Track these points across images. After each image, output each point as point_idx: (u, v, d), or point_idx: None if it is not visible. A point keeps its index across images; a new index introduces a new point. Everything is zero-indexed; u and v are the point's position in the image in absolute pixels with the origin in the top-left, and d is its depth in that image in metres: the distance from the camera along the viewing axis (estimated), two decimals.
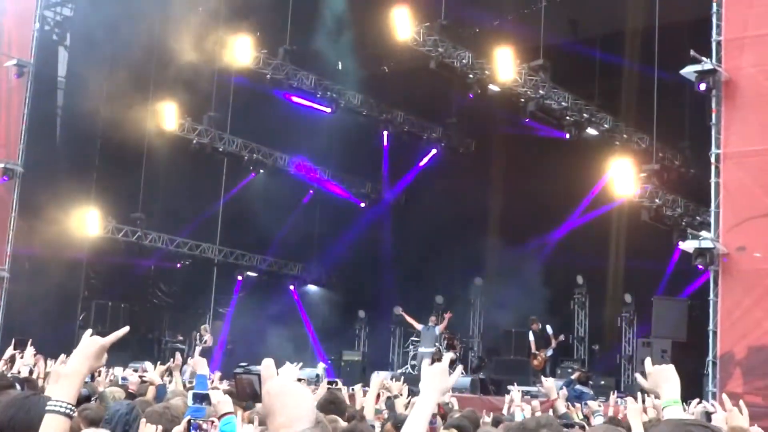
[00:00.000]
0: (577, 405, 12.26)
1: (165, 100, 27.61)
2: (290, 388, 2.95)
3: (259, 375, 3.00)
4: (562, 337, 25.29)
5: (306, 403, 2.95)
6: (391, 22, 24.00)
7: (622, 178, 21.43)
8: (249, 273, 31.95)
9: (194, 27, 27.65)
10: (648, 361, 4.46)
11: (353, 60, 34.27)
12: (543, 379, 13.81)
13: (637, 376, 4.49)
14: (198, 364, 7.90)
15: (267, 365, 2.99)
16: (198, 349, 26.81)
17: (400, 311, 28.44)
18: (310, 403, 2.97)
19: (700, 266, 18.36)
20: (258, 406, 2.98)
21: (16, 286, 26.46)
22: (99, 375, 11.45)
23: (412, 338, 29.48)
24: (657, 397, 4.43)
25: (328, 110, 29.36)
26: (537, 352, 24.95)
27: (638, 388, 8.33)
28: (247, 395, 3.10)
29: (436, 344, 26.01)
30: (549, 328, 25.25)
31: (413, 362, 27.75)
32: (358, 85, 30.11)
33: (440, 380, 3.42)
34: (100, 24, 26.97)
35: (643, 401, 8.65)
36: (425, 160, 31.62)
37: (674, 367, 4.30)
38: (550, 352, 25.05)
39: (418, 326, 26.78)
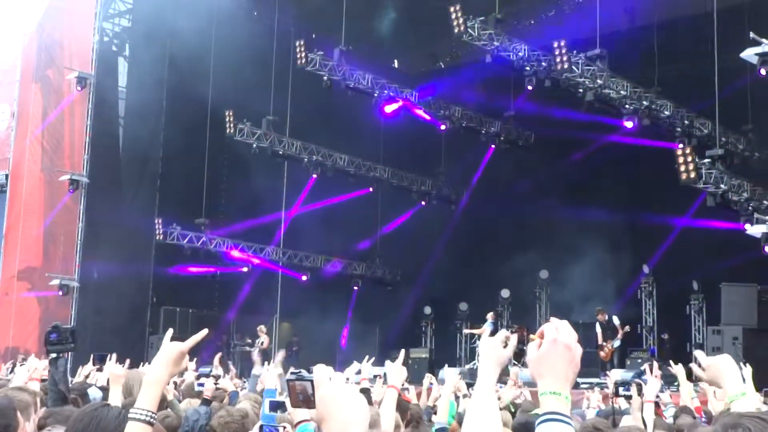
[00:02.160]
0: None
1: (224, 105, 27.83)
2: (344, 393, 2.95)
3: (311, 381, 2.99)
4: (627, 328, 25.02)
5: (360, 408, 2.94)
6: (445, 18, 23.95)
7: (686, 164, 21.16)
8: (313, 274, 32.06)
9: (250, 32, 27.90)
10: (701, 353, 4.28)
11: (409, 57, 34.34)
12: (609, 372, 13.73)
13: (694, 367, 4.32)
14: (265, 378, 7.95)
15: (320, 370, 2.98)
16: (256, 351, 26.97)
17: (466, 330, 28.39)
18: (364, 407, 2.97)
19: None
20: (313, 412, 2.96)
21: (86, 296, 26.83)
22: (182, 382, 11.45)
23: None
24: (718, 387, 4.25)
25: (443, 127, 29.61)
26: (604, 344, 24.72)
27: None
28: (300, 402, 3.10)
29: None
30: (616, 319, 25.00)
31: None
32: (415, 82, 30.07)
33: (497, 351, 3.38)
34: (158, 33, 27.32)
35: (640, 394, 8.50)
36: (485, 154, 31.43)
37: (743, 354, 4.17)
38: (617, 343, 24.79)
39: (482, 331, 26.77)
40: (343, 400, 2.91)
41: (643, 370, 20.20)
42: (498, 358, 3.36)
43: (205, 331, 3.69)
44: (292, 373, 3.15)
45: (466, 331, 28.23)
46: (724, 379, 4.11)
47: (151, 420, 3.53)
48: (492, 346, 3.39)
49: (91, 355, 12.95)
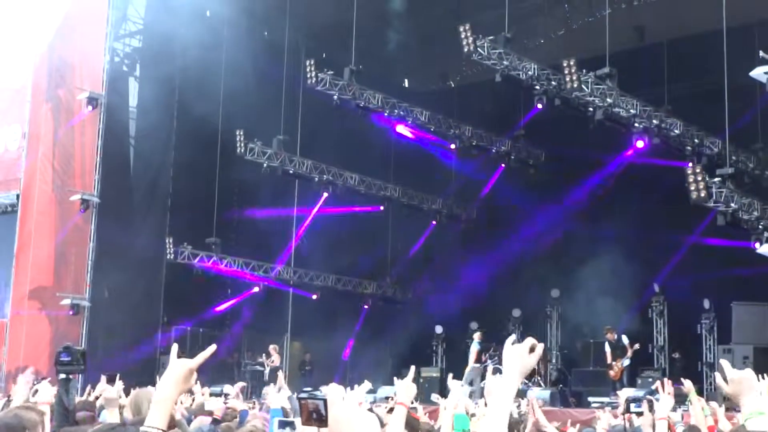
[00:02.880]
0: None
1: (234, 124, 27.92)
2: (356, 414, 2.96)
3: (324, 400, 3.00)
4: (637, 346, 24.93)
5: (372, 428, 2.95)
6: (455, 37, 24.02)
7: (696, 182, 21.14)
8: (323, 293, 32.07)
9: (261, 51, 28.02)
10: (727, 364, 4.24)
11: (419, 76, 34.45)
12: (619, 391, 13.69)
13: (717, 377, 4.29)
14: (271, 398, 7.97)
15: (333, 390, 2.99)
16: (268, 370, 27.00)
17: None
18: (376, 428, 2.98)
19: None
20: (324, 430, 2.96)
21: (97, 315, 26.87)
22: (193, 401, 11.45)
23: (490, 352, 29.32)
24: (736, 403, 4.26)
25: (452, 146, 29.71)
26: (613, 363, 24.63)
27: (719, 394, 8.20)
28: (313, 420, 3.10)
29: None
30: (625, 338, 24.92)
31: (494, 375, 27.62)
32: (425, 101, 30.14)
33: (523, 358, 3.36)
34: (169, 53, 27.46)
35: (651, 410, 8.48)
36: (495, 173, 31.44)
37: (755, 373, 4.15)
38: (627, 362, 24.69)
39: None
40: (356, 420, 2.91)
41: (654, 388, 20.18)
42: (523, 366, 3.35)
43: (213, 348, 3.68)
44: (304, 391, 3.16)
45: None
46: (744, 395, 4.11)
47: None
48: (518, 353, 3.38)
49: (102, 376, 12.98)
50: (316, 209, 30.90)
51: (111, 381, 13.46)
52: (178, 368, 3.60)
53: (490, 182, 31.67)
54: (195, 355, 3.67)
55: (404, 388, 6.46)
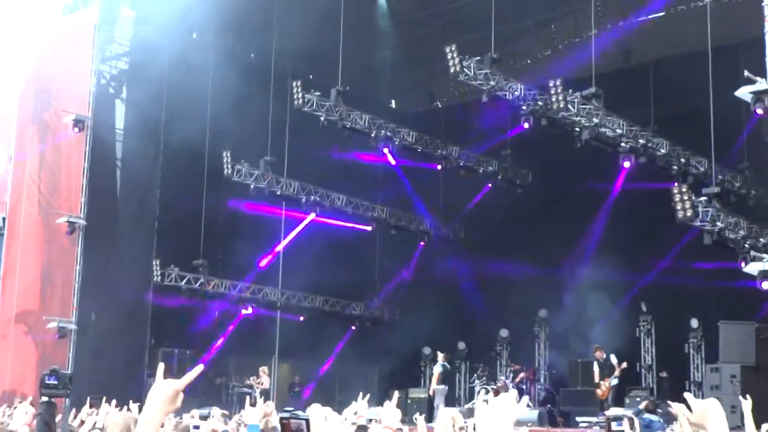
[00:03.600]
0: None
1: (221, 146, 27.92)
2: None
3: (306, 420, 2.99)
4: (624, 365, 24.93)
5: None
6: (442, 58, 24.10)
7: (683, 202, 21.22)
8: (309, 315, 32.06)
9: (247, 72, 28.05)
10: (690, 396, 4.29)
11: (406, 98, 34.54)
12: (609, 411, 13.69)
13: (682, 408, 4.37)
14: (247, 415, 7.98)
15: (315, 410, 2.99)
16: (257, 391, 26.94)
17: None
18: None
19: (765, 288, 18.15)
20: None
21: (84, 338, 26.75)
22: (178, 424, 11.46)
23: (477, 372, 29.33)
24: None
25: (439, 167, 29.78)
26: (601, 382, 24.62)
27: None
28: None
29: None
30: (613, 357, 24.92)
31: (483, 398, 27.60)
32: (412, 122, 30.21)
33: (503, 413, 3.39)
34: (155, 75, 27.44)
35: (632, 428, 8.57)
36: (481, 193, 31.48)
37: (741, 392, 4.22)
38: (615, 381, 24.68)
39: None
40: None
41: (641, 409, 20.17)
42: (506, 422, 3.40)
43: (200, 368, 3.64)
44: (285, 410, 3.14)
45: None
46: (709, 422, 4.15)
47: None
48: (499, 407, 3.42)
49: (88, 398, 12.92)
50: (300, 227, 30.93)
51: (95, 405, 13.43)
52: (165, 389, 3.56)
53: (476, 201, 31.68)
54: (182, 376, 3.62)
55: (389, 412, 6.53)
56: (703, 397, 4.99)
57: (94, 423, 11.36)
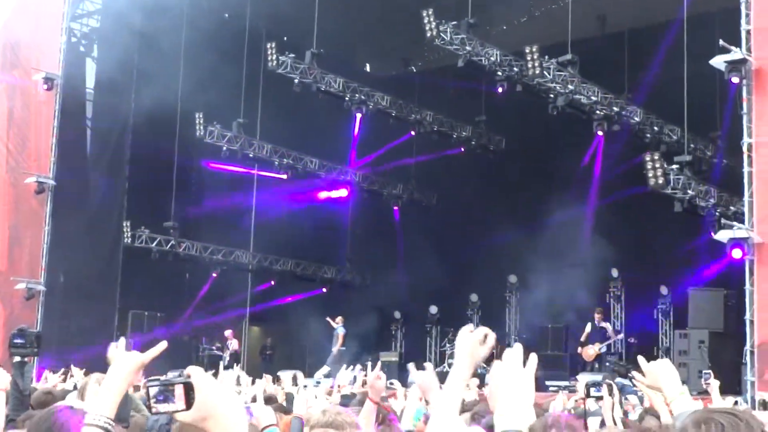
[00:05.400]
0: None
1: (194, 107, 27.70)
2: (227, 395, 2.88)
3: (183, 384, 2.87)
4: (621, 336, 25.33)
5: (239, 413, 2.88)
6: (417, 22, 23.98)
7: (654, 169, 21.29)
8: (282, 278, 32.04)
9: (221, 33, 27.79)
10: (642, 359, 4.38)
11: (381, 62, 34.35)
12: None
13: (635, 374, 4.42)
14: (221, 380, 7.92)
15: (196, 373, 2.88)
16: (227, 355, 26.93)
17: (327, 319, 28.61)
18: (242, 413, 2.91)
19: (735, 256, 18.25)
20: (189, 414, 2.82)
21: (52, 299, 26.59)
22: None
23: (449, 337, 29.41)
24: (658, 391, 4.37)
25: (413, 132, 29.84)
26: (591, 345, 24.70)
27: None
28: (171, 403, 2.93)
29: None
30: (609, 326, 25.15)
31: (450, 361, 27.64)
32: (386, 86, 30.09)
33: (474, 348, 3.37)
34: (127, 34, 27.11)
35: (611, 394, 8.61)
36: (455, 158, 31.44)
37: (709, 358, 4.25)
38: (603, 348, 24.85)
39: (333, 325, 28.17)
40: (228, 403, 2.84)
41: (615, 370, 20.28)
42: (474, 356, 3.36)
43: (164, 344, 3.57)
44: (153, 378, 2.98)
45: (329, 320, 28.62)
46: (662, 382, 4.22)
47: (109, 427, 3.43)
48: (470, 342, 3.38)
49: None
50: (276, 194, 30.81)
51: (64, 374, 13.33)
52: (128, 363, 3.50)
53: (451, 168, 31.62)
54: (153, 338, 3.57)
55: (371, 384, 6.52)
56: (674, 363, 5.04)
57: (63, 383, 11.30)
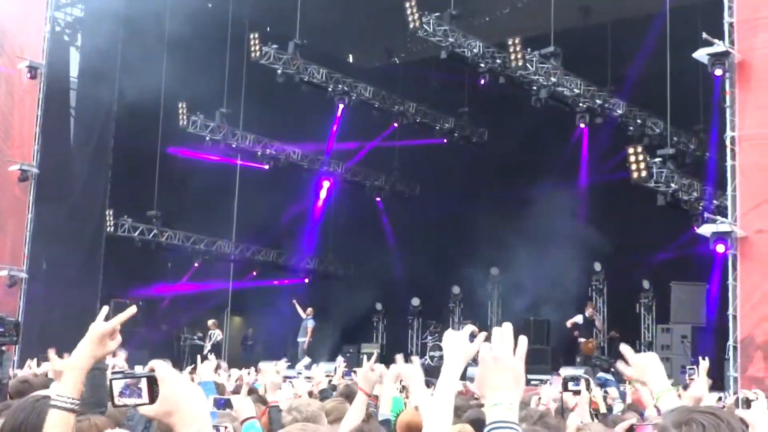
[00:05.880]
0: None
1: (177, 97, 27.64)
2: (189, 391, 2.86)
3: (147, 377, 2.85)
4: (615, 333, 25.48)
5: (203, 407, 2.87)
6: (400, 13, 23.97)
7: (637, 163, 21.32)
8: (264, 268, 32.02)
9: (204, 23, 27.69)
10: (628, 349, 4.30)
11: (364, 53, 34.30)
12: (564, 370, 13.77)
13: (620, 365, 4.37)
14: (201, 371, 7.93)
15: (160, 367, 2.86)
16: (209, 344, 26.89)
17: (294, 301, 28.57)
18: (206, 408, 2.90)
19: (718, 250, 18.30)
20: (152, 408, 2.79)
21: (35, 287, 26.52)
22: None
23: (430, 329, 29.47)
24: (642, 385, 4.33)
25: (395, 124, 29.57)
26: (591, 339, 24.84)
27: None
28: (131, 398, 2.91)
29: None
30: (598, 321, 25.35)
31: (432, 353, 27.68)
32: (369, 77, 30.08)
33: (463, 346, 3.37)
34: (111, 23, 27.01)
35: (588, 389, 8.65)
36: (437, 150, 31.44)
37: (691, 352, 4.24)
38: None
39: (303, 316, 27.88)
40: (192, 397, 2.82)
41: (597, 365, 20.37)
42: (464, 353, 3.35)
43: (133, 309, 3.54)
44: (117, 372, 2.97)
45: (295, 303, 28.54)
46: (649, 376, 4.18)
47: (74, 407, 3.42)
48: (458, 340, 3.37)
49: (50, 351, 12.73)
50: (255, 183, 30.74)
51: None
52: (92, 332, 3.48)
53: (433, 159, 31.63)
54: (133, 328, 3.55)
55: (364, 376, 6.58)
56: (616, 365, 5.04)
57: (46, 372, 11.25)
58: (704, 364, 9.12)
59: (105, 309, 3.62)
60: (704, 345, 21.69)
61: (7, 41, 27.81)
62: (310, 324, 27.57)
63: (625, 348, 4.33)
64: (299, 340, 27.61)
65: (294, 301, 28.55)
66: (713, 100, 19.49)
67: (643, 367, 4.20)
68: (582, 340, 24.71)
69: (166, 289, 30.71)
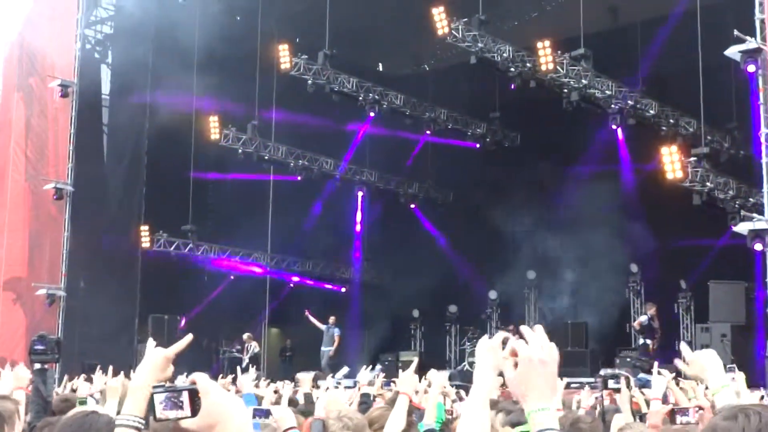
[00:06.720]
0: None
1: (209, 111, 27.77)
2: (233, 401, 2.85)
3: (188, 390, 2.84)
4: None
5: (245, 419, 2.86)
6: (429, 20, 23.96)
7: (672, 163, 21.17)
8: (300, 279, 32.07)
9: (234, 36, 27.82)
10: (686, 347, 4.36)
11: (393, 61, 34.30)
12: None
13: (678, 362, 4.35)
14: (242, 382, 7.95)
15: (201, 379, 2.85)
16: (247, 357, 26.93)
17: (307, 313, 28.35)
18: (249, 419, 2.89)
19: (756, 248, 18.15)
20: (194, 420, 2.78)
21: (73, 305, 26.69)
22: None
23: (468, 335, 29.40)
24: (700, 382, 4.33)
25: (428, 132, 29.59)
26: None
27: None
28: (175, 412, 2.89)
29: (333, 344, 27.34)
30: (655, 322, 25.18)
31: (471, 359, 27.59)
32: (399, 85, 30.08)
33: (495, 354, 3.30)
34: (141, 39, 27.21)
35: (628, 387, 8.58)
36: (470, 156, 31.38)
37: (731, 351, 4.21)
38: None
39: (322, 327, 27.70)
40: (231, 411, 2.81)
41: (637, 366, 20.22)
42: (495, 361, 3.29)
43: (189, 337, 3.60)
44: (158, 386, 2.97)
45: (309, 316, 28.27)
46: (707, 372, 4.16)
47: (139, 425, 3.46)
48: (489, 348, 3.32)
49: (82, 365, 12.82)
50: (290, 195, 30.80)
51: (90, 370, 13.33)
52: (154, 357, 3.54)
53: (466, 165, 31.57)
54: (172, 343, 3.59)
55: (406, 379, 6.64)
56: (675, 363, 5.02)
57: (89, 389, 11.29)
58: (740, 376, 9.02)
59: (151, 341, 3.67)
60: (746, 343, 21.52)
61: (38, 61, 28.04)
62: (336, 332, 27.51)
63: (684, 346, 4.33)
64: (324, 349, 27.53)
65: (307, 313, 28.38)
66: (749, 97, 19.26)
67: (701, 363, 4.20)
68: (648, 342, 24.45)
69: (202, 302, 30.81)
